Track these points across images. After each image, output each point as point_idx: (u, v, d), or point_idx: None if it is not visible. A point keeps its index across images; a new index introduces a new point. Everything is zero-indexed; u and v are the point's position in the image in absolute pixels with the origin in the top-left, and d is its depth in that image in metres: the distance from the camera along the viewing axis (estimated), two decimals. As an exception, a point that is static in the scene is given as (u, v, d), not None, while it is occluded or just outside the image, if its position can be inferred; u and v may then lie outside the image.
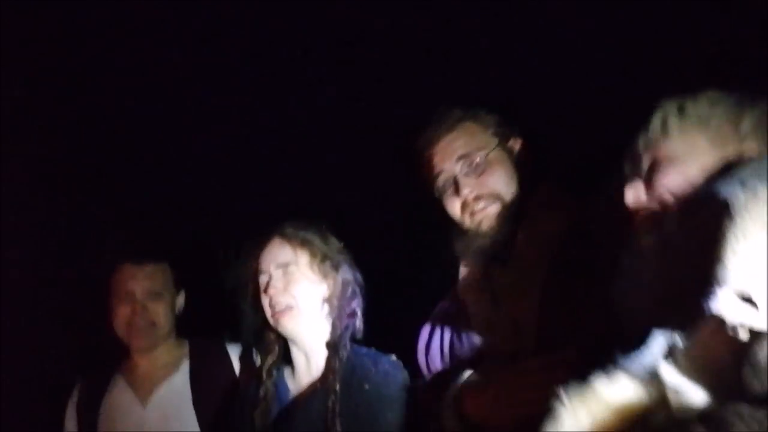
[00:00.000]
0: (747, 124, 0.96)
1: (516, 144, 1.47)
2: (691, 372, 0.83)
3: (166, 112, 2.21)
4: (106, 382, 1.95)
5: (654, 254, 0.89)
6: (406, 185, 1.61)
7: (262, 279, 1.61)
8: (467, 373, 1.34)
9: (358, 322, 1.63)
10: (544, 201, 1.41)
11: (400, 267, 2.01)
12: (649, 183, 1.00)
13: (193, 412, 1.87)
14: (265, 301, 1.60)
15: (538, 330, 1.31)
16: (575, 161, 1.57)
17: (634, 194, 1.00)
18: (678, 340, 0.86)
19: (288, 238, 1.63)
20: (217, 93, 2.19)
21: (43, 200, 2.30)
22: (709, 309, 0.77)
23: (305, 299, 1.59)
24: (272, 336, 1.66)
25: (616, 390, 0.85)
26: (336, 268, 1.62)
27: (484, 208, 1.40)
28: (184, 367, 1.95)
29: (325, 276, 1.61)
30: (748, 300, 0.74)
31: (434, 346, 1.54)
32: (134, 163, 2.30)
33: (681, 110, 1.00)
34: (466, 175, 1.41)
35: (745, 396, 0.74)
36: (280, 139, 2.28)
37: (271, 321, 1.61)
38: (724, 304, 0.76)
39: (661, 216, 0.95)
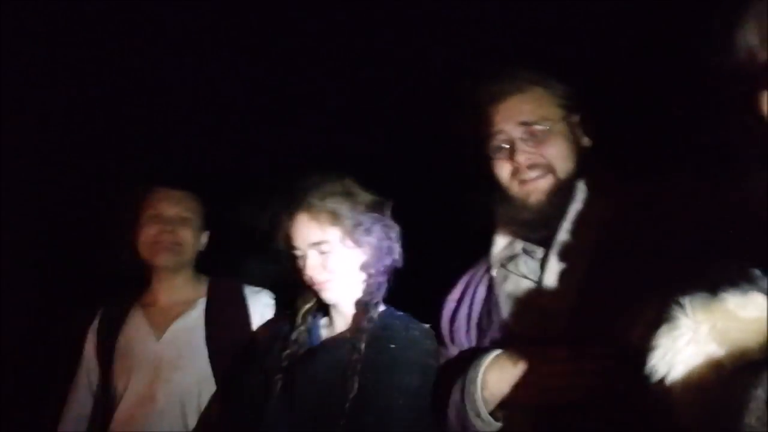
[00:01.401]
0: None
1: (575, 120, 1.39)
2: None
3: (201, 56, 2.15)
4: (125, 312, 1.96)
5: None
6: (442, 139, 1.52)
7: (298, 255, 1.58)
8: (494, 352, 1.30)
9: (398, 257, 1.61)
10: (597, 184, 1.33)
11: (427, 228, 1.96)
12: None
13: (206, 349, 1.88)
14: (305, 277, 1.57)
15: (570, 317, 1.26)
16: (631, 144, 1.49)
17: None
18: None
19: (315, 214, 1.54)
20: (249, 36, 2.11)
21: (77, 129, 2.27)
22: None
23: (343, 270, 1.56)
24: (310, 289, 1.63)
25: (748, 306, 0.79)
26: (369, 231, 1.57)
27: (536, 179, 1.34)
28: (201, 305, 1.95)
29: (358, 243, 1.57)
30: None
31: (460, 318, 1.51)
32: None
33: None
34: (525, 141, 1.34)
35: None
36: (313, 84, 2.22)
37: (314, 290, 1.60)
38: None
39: None
